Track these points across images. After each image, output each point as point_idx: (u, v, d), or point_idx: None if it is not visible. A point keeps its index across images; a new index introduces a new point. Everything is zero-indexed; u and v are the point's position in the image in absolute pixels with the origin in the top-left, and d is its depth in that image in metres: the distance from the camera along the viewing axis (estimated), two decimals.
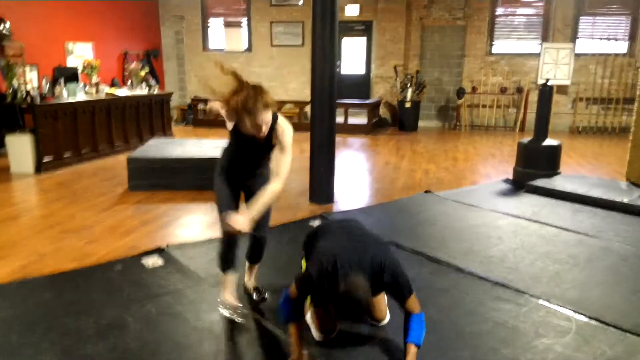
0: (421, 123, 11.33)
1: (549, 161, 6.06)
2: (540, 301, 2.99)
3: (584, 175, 6.27)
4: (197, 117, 11.36)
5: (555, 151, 6.05)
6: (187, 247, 3.78)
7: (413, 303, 2.33)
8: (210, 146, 6.22)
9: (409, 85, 10.83)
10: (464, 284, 3.26)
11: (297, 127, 11.13)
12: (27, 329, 2.60)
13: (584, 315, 2.83)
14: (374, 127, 10.88)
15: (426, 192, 5.53)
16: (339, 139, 9.72)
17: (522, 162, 6.17)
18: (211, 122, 11.10)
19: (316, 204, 5.16)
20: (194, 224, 4.48)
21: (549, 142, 6.05)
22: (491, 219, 4.62)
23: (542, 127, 6.09)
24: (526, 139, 6.22)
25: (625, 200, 4.93)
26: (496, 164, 7.63)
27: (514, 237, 4.12)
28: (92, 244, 3.90)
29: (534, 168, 6.03)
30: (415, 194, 5.52)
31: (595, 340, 2.59)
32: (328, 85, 4.97)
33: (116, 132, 7.66)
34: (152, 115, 8.66)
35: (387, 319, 2.73)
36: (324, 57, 4.89)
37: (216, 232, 3.07)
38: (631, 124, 10.41)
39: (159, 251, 3.64)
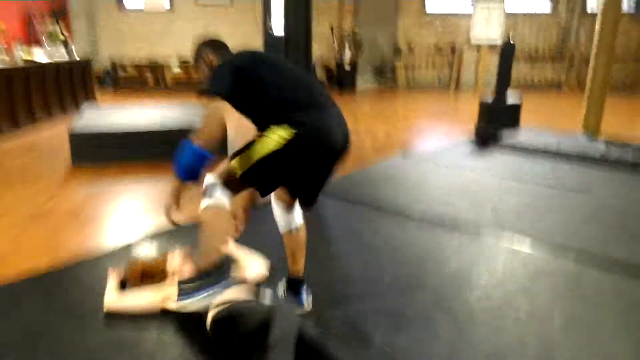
0: (358, 83, 11.14)
1: (511, 119, 6.11)
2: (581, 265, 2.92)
3: (540, 129, 6.39)
4: (118, 81, 10.32)
5: (517, 110, 6.11)
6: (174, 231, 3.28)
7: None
8: (157, 113, 5.59)
9: (347, 46, 10.54)
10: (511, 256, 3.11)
11: None
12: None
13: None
14: None
15: (403, 154, 5.34)
16: None
17: (484, 120, 6.17)
18: (135, 85, 10.18)
19: None
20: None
21: (510, 100, 6.08)
22: (487, 180, 4.52)
23: (503, 85, 6.11)
24: (488, 97, 6.20)
25: (598, 154, 5.07)
26: (451, 122, 7.65)
27: (516, 197, 4.06)
28: (60, 235, 3.28)
29: (494, 125, 6.05)
30: (392, 157, 5.32)
31: None
32: (303, 47, 4.53)
33: (37, 102, 6.66)
34: (74, 82, 7.67)
35: None
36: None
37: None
38: (556, 80, 11.05)
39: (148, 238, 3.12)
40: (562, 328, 2.24)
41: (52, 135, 6.23)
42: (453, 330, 2.21)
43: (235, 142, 2.02)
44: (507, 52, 6.09)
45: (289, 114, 1.85)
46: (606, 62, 5.82)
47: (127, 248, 2.97)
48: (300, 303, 2.17)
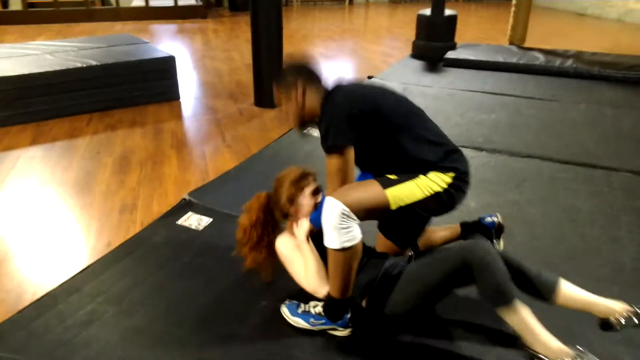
0: None
1: (449, 32, 6.15)
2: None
3: (477, 43, 6.55)
4: None
5: (454, 22, 6.14)
6: (209, 190, 2.81)
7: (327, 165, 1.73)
8: (68, 48, 4.60)
9: None
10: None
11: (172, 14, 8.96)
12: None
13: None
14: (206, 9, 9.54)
15: (369, 77, 5.12)
16: (172, 26, 8.31)
17: (423, 35, 6.13)
18: None
19: (264, 108, 4.36)
20: (162, 157, 3.35)
21: (447, 12, 6.08)
22: (463, 97, 4.53)
23: None
24: (425, 10, 6.11)
25: (539, 63, 5.35)
26: (376, 39, 7.50)
27: (501, 108, 4.16)
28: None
29: (435, 40, 6.06)
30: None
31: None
32: None
33: None
34: None
35: None
36: None
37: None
38: None
39: (188, 205, 2.63)
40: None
41: None
42: None
43: None
44: None
45: (437, 157, 1.73)
46: None
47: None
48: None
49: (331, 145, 1.66)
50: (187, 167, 3.19)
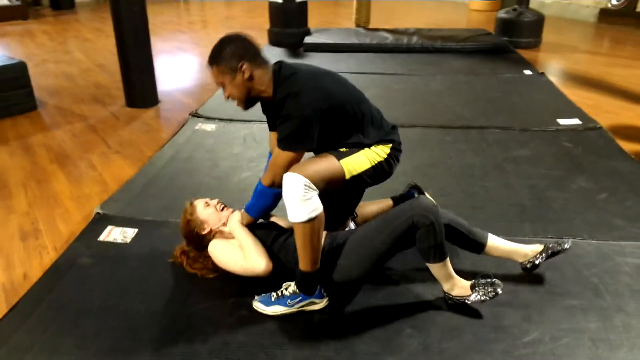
0: None
1: (302, 19, 6.33)
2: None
3: (328, 28, 6.83)
4: None
5: (305, 8, 6.33)
6: (121, 200, 2.60)
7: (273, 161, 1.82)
8: None
9: None
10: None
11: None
12: None
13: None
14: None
15: None
16: None
17: (278, 22, 6.23)
18: None
19: (140, 108, 4.10)
20: (45, 175, 2.98)
21: None
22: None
23: None
24: None
25: (392, 41, 5.80)
26: (229, 29, 7.37)
27: (373, 85, 4.45)
28: None
29: (290, 27, 6.21)
30: None
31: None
32: None
33: None
34: None
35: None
36: None
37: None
38: None
39: (104, 219, 2.39)
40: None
41: None
42: None
43: None
44: None
45: (380, 135, 1.89)
46: None
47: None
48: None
49: (296, 149, 1.72)
50: (79, 181, 2.90)
